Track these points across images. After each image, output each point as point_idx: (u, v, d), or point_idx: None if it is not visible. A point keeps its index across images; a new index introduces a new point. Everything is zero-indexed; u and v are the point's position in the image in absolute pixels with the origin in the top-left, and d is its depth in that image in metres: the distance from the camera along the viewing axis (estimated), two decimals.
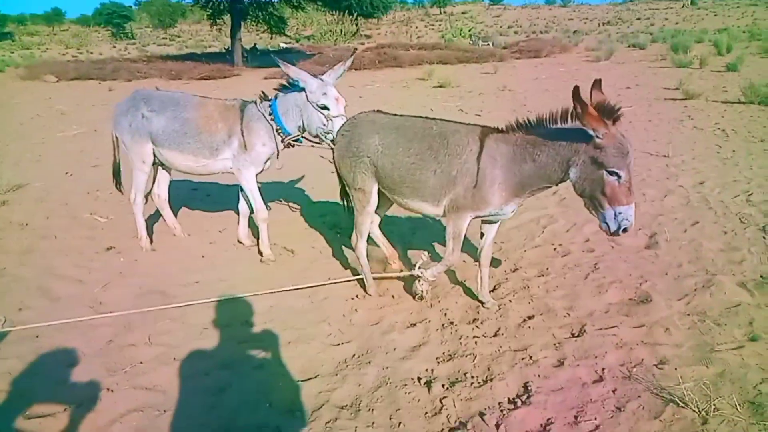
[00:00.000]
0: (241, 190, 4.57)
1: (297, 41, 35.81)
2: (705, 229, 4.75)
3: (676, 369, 2.89)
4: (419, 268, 3.63)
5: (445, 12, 74.93)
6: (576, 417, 2.62)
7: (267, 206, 4.54)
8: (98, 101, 14.06)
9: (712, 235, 4.63)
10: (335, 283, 4.07)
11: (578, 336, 3.30)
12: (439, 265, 3.57)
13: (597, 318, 3.50)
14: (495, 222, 3.56)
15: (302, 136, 4.35)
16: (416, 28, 53.42)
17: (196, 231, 5.17)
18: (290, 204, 5.86)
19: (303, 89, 4.07)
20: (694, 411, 2.56)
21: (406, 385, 2.93)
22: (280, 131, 4.27)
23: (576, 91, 2.62)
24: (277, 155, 4.41)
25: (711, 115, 9.58)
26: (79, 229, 5.27)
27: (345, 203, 4.10)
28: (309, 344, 3.33)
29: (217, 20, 25.92)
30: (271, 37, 29.87)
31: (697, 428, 2.48)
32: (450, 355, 3.18)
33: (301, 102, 4.12)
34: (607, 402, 2.71)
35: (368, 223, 3.79)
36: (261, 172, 4.46)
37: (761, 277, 3.86)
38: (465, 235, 3.42)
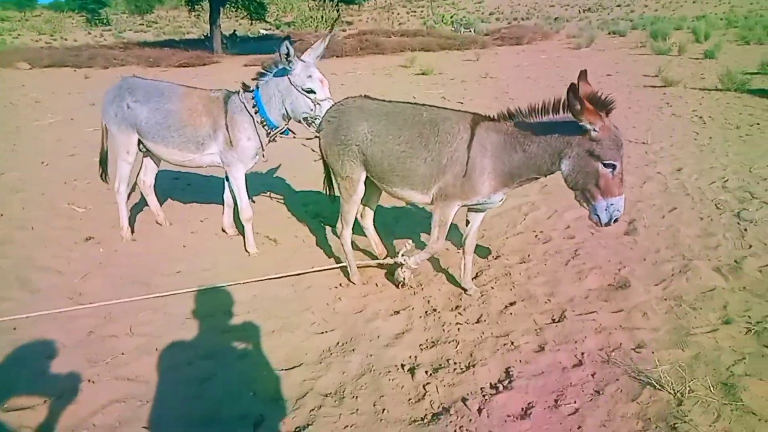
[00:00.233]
0: (227, 179, 4.48)
1: (277, 28, 35.40)
2: (682, 216, 4.83)
3: (653, 352, 2.96)
4: (403, 255, 3.64)
5: None
6: (556, 401, 2.67)
7: (252, 200, 4.48)
8: (74, 89, 13.79)
9: (689, 221, 4.72)
10: (319, 271, 4.06)
11: (559, 321, 3.36)
12: (422, 252, 3.58)
13: (577, 303, 3.55)
14: (482, 210, 3.57)
15: (288, 128, 4.21)
16: (398, 14, 53.14)
17: (177, 220, 5.12)
18: (273, 193, 5.82)
19: (284, 73, 3.92)
20: (669, 393, 2.63)
21: (389, 372, 2.95)
22: (265, 123, 4.11)
23: (573, 87, 2.60)
24: (263, 149, 4.26)
25: (689, 102, 9.71)
26: (57, 220, 5.18)
27: (328, 192, 4.07)
28: (293, 333, 3.33)
29: (195, 6, 25.51)
30: (251, 24, 29.46)
31: (672, 409, 2.55)
32: (433, 342, 3.21)
33: (283, 87, 3.94)
34: (587, 385, 2.77)
35: (354, 211, 3.77)
36: (250, 168, 4.35)
37: (735, 262, 3.95)
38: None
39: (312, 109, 3.88)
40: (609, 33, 26.07)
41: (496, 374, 2.91)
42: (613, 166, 2.78)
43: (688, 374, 2.71)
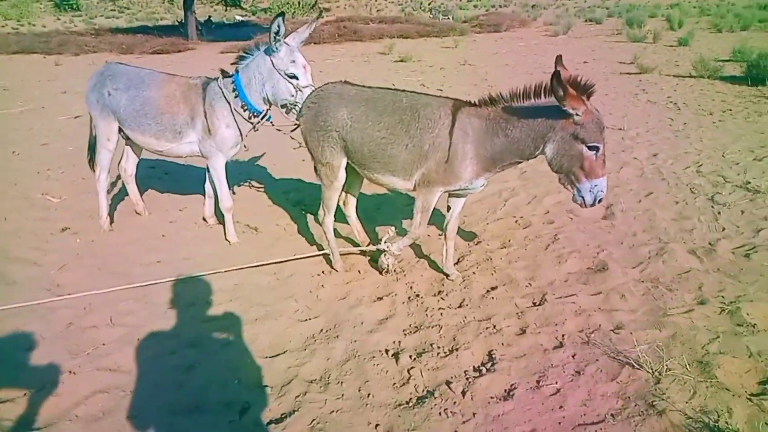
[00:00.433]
0: (208, 171, 4.41)
1: (253, 14, 34.78)
2: (658, 200, 4.93)
3: (631, 333, 3.03)
4: (385, 242, 3.65)
5: None
6: (538, 381, 2.73)
7: (232, 191, 4.43)
8: (44, 76, 13.42)
9: (664, 205, 4.82)
10: (301, 258, 4.06)
11: (539, 305, 3.41)
12: (405, 238, 3.60)
13: (557, 287, 3.61)
14: (463, 196, 3.59)
15: (270, 114, 4.12)
16: (376, 1, 52.66)
17: (156, 210, 5.04)
18: (252, 181, 5.77)
19: (268, 53, 3.81)
20: (648, 372, 2.70)
21: (374, 357, 2.97)
22: (245, 108, 4.01)
23: (557, 74, 2.64)
24: (242, 138, 4.18)
25: (664, 89, 9.87)
26: (32, 210, 5.07)
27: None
28: (276, 321, 3.33)
29: None
30: (226, 10, 29.00)
31: (650, 388, 2.62)
32: (416, 327, 3.24)
33: (265, 69, 3.83)
34: (567, 366, 2.83)
35: (336, 198, 3.75)
36: (230, 158, 4.27)
37: (710, 244, 4.05)
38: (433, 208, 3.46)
39: (293, 95, 3.80)
40: (585, 20, 26.26)
41: (479, 357, 2.95)
42: (597, 148, 2.85)
43: (665, 353, 2.79)
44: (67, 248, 4.31)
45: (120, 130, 4.34)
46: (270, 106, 4.08)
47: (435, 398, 2.64)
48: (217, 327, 3.28)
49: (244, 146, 4.27)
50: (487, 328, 3.19)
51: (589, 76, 2.87)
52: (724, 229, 4.29)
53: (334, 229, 3.96)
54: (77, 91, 11.08)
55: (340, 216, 4.08)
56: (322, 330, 3.24)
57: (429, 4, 37.87)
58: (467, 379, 2.77)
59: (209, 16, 28.83)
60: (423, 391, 2.71)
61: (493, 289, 3.62)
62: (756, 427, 2.31)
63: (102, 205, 4.59)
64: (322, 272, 3.92)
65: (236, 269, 3.88)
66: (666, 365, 2.71)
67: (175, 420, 2.56)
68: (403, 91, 3.48)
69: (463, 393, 2.66)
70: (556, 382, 2.71)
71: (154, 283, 3.72)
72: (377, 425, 2.50)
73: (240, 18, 31.60)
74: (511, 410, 2.55)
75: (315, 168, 3.86)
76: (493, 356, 2.93)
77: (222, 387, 2.76)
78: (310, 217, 4.80)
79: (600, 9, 29.73)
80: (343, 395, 2.70)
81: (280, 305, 3.50)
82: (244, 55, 3.97)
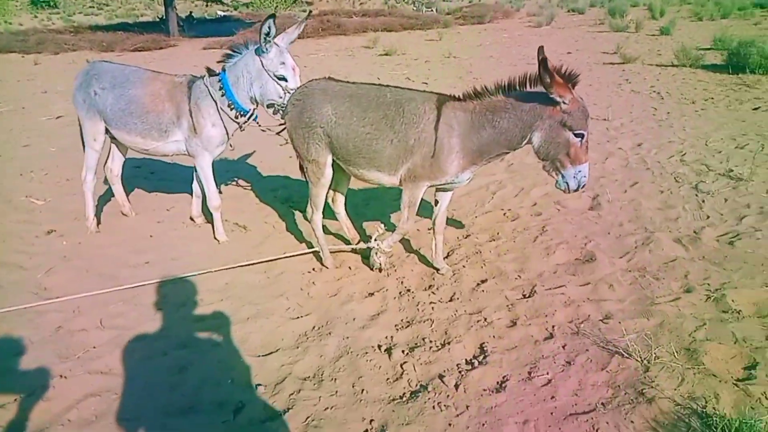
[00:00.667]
0: (195, 170, 4.37)
1: (235, 9, 34.42)
2: (643, 189, 4.99)
3: (620, 322, 3.07)
4: (375, 240, 3.66)
5: None
6: (530, 373, 2.76)
7: (219, 191, 4.40)
8: (23, 76, 13.19)
9: (650, 194, 4.88)
10: (291, 256, 4.05)
11: (529, 296, 3.44)
12: (394, 234, 3.61)
13: (546, 278, 3.65)
14: (450, 190, 3.61)
15: (257, 113, 4.08)
16: None
17: (142, 210, 5.00)
18: (240, 179, 5.74)
19: (257, 54, 3.77)
20: (637, 360, 2.74)
21: (366, 353, 2.98)
22: (232, 106, 3.98)
23: (544, 61, 2.69)
24: (228, 137, 4.14)
25: (647, 79, 9.96)
26: (15, 213, 5.00)
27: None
28: (268, 319, 3.32)
29: None
30: (207, 5, 28.67)
31: (640, 376, 2.66)
32: (408, 322, 3.25)
33: (254, 69, 3.81)
34: (558, 357, 2.86)
35: (323, 195, 3.74)
36: (216, 156, 4.24)
37: (694, 232, 4.11)
38: (421, 201, 3.47)
39: (281, 97, 3.78)
40: (568, 11, 26.38)
41: (470, 350, 2.98)
42: (582, 135, 2.92)
43: (654, 342, 2.84)
44: (53, 251, 4.26)
45: (106, 130, 4.29)
46: (257, 106, 4.06)
47: (428, 392, 2.66)
48: (209, 327, 3.27)
49: (230, 145, 4.23)
50: (478, 321, 3.21)
51: (573, 67, 2.91)
52: (708, 217, 4.35)
53: (324, 226, 3.95)
54: (58, 90, 10.92)
55: (328, 212, 4.07)
56: (314, 327, 3.25)
57: None
58: (460, 372, 2.80)
59: (190, 12, 28.51)
60: (416, 385, 2.73)
61: (483, 282, 3.65)
62: (742, 411, 2.35)
63: (88, 206, 4.53)
64: (313, 269, 3.92)
65: (226, 269, 3.86)
66: (654, 353, 2.75)
67: (169, 421, 2.55)
68: (388, 86, 3.48)
69: (456, 386, 2.69)
70: (548, 373, 2.74)
71: (144, 284, 3.69)
72: (372, 420, 2.52)
73: (222, 13, 31.28)
74: (503, 402, 2.58)
75: (300, 166, 3.85)
76: (485, 349, 2.95)
77: (215, 387, 2.75)
78: (298, 214, 4.79)
79: None
80: (336, 392, 2.71)
81: (271, 303, 3.49)
82: (232, 53, 3.94)
